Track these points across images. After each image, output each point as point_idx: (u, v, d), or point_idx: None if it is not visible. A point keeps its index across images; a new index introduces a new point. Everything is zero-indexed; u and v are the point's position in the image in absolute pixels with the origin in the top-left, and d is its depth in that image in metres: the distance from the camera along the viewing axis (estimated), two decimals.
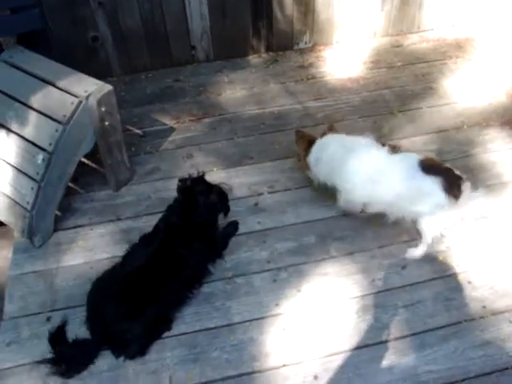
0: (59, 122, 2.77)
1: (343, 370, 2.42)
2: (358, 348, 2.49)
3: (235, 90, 3.98)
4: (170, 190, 2.94)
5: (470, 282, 2.72)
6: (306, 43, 4.31)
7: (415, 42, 4.36)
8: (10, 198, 2.91)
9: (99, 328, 2.48)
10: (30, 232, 2.89)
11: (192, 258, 2.60)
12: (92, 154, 3.07)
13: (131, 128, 3.62)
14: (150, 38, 4.00)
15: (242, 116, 3.76)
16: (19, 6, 3.19)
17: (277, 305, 2.67)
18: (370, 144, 2.78)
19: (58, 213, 3.03)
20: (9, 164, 2.90)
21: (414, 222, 2.76)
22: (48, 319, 2.64)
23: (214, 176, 3.22)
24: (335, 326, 2.58)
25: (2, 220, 3.05)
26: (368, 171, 2.69)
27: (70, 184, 3.06)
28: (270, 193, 3.22)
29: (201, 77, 4.12)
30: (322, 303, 2.67)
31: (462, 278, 2.75)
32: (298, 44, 4.30)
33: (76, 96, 2.81)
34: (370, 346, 2.50)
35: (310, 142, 2.94)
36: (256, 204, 3.15)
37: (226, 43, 4.18)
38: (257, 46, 4.25)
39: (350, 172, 2.74)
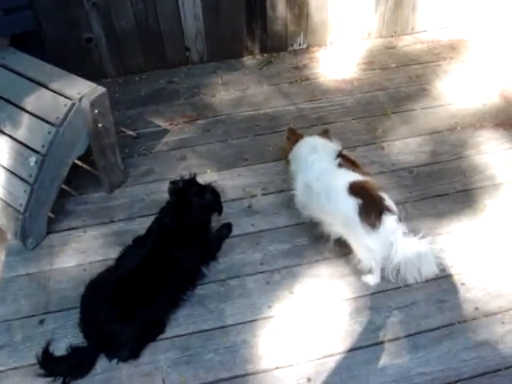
0: (52, 124, 2.77)
1: (336, 372, 2.42)
2: (351, 350, 2.49)
3: (229, 92, 3.98)
4: (163, 191, 2.93)
5: (463, 284, 2.73)
6: (300, 44, 4.30)
7: (409, 43, 4.37)
8: (2, 200, 2.90)
9: (93, 331, 2.47)
10: (23, 234, 2.88)
11: (186, 260, 2.61)
12: (85, 156, 3.07)
13: (125, 130, 3.62)
14: (143, 39, 4.00)
15: (236, 117, 3.76)
16: (12, 8, 3.19)
17: (270, 307, 2.66)
18: (330, 152, 2.75)
19: (51, 215, 3.02)
20: (1, 166, 2.89)
21: None
22: (41, 322, 2.64)
23: (208, 178, 3.21)
24: (328, 328, 2.58)
25: None
26: (311, 174, 2.71)
27: (64, 186, 3.05)
28: (263, 194, 3.22)
29: (195, 78, 4.11)
30: (315, 305, 2.67)
31: (455, 279, 2.75)
32: (292, 45, 4.30)
33: (69, 98, 2.81)
34: (364, 347, 2.50)
35: (296, 140, 2.98)
36: (249, 206, 3.15)
37: (220, 44, 4.17)
38: (251, 47, 4.25)
39: (301, 168, 2.80)
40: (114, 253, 2.78)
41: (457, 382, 2.37)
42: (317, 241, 2.90)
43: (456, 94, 3.87)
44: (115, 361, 2.46)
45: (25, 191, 2.80)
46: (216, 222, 2.91)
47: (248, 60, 4.27)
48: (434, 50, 4.29)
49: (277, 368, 2.44)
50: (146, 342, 2.52)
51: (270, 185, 3.26)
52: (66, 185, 3.12)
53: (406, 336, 2.53)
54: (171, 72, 4.17)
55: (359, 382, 2.38)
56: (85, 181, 3.29)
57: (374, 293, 2.70)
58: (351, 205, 2.48)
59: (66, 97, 2.82)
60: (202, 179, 2.84)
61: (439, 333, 2.54)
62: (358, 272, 2.75)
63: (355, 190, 2.51)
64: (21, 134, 2.86)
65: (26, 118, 2.86)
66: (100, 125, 2.90)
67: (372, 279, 2.71)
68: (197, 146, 3.56)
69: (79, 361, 2.43)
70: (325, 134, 3.00)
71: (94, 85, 2.89)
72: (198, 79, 4.10)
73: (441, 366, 2.43)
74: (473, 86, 3.93)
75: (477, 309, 2.63)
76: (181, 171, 3.29)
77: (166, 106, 3.88)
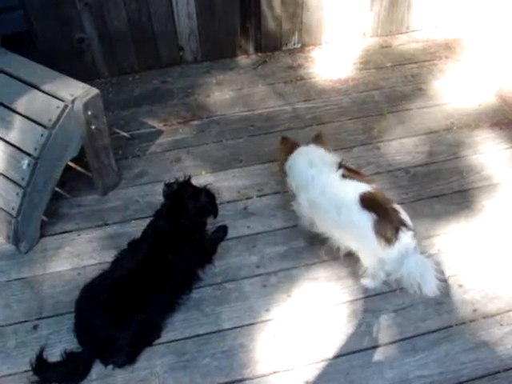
0: (44, 127, 2.72)
1: (334, 376, 2.41)
2: (349, 353, 2.48)
3: (223, 92, 3.94)
4: (158, 194, 2.90)
5: (460, 286, 2.71)
6: (294, 44, 4.27)
7: (404, 42, 4.34)
8: None
9: (88, 336, 2.44)
10: (16, 238, 2.84)
11: (181, 263, 2.58)
12: (79, 158, 3.02)
13: (118, 131, 3.58)
14: (137, 38, 3.95)
15: (231, 118, 3.72)
16: (2, 8, 3.14)
17: (267, 310, 2.64)
18: (329, 164, 2.66)
19: (44, 218, 2.98)
20: None
21: None
22: (35, 327, 2.60)
23: (203, 180, 3.18)
24: (326, 332, 2.56)
25: None
26: (314, 190, 2.63)
27: (57, 189, 3.01)
28: (259, 196, 3.19)
29: (189, 78, 4.07)
30: (312, 308, 2.65)
31: (452, 281, 2.73)
32: (286, 44, 4.27)
33: (62, 100, 2.76)
34: (362, 351, 2.49)
35: (292, 150, 2.86)
36: (245, 208, 3.12)
37: (214, 44, 4.13)
38: (245, 46, 4.21)
39: (301, 185, 2.71)
40: (108, 256, 2.75)
41: None
42: (313, 243, 2.88)
43: (452, 93, 3.85)
44: (111, 366, 2.43)
45: (17, 194, 2.75)
46: (211, 224, 2.87)
47: (242, 59, 4.23)
48: (430, 49, 4.26)
49: (274, 372, 2.42)
50: (141, 347, 2.49)
51: (266, 186, 3.23)
52: (60, 187, 3.08)
53: (404, 339, 2.52)
54: (165, 72, 4.12)
55: None
56: (78, 183, 3.24)
57: (372, 295, 2.68)
58: (365, 220, 2.40)
59: (59, 98, 2.78)
60: (196, 181, 2.81)
61: (437, 335, 2.53)
62: (355, 275, 2.74)
63: (367, 203, 2.42)
64: (13, 136, 2.81)
65: (17, 120, 2.82)
66: (93, 127, 2.86)
67: (371, 283, 2.69)
68: (191, 147, 3.52)
69: (74, 367, 2.40)
70: (318, 138, 2.90)
71: (87, 86, 2.84)
72: (191, 79, 4.06)
73: (439, 368, 2.42)
74: (469, 85, 3.92)
75: (475, 311, 2.61)
76: (175, 173, 3.26)
77: (159, 107, 3.83)
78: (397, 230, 2.39)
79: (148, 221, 2.71)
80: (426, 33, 4.41)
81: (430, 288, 2.61)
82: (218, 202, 2.83)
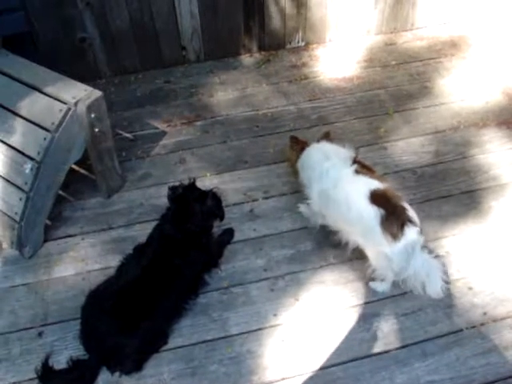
0: (47, 130, 2.68)
1: (344, 381, 2.38)
2: (358, 359, 2.45)
3: (227, 92, 3.89)
4: (162, 196, 2.87)
5: (470, 288, 2.68)
6: (298, 42, 4.22)
7: (409, 40, 4.29)
8: None
9: (94, 343, 2.40)
10: (20, 243, 2.81)
11: (188, 268, 2.54)
12: (82, 160, 2.98)
13: (121, 132, 3.53)
14: (139, 38, 3.90)
15: (235, 118, 3.68)
16: (3, 9, 3.10)
17: (275, 315, 2.61)
18: (344, 158, 2.67)
19: (47, 222, 2.94)
20: None
21: None
22: (40, 334, 2.57)
23: (208, 182, 3.15)
24: (335, 337, 2.53)
25: None
26: (327, 183, 2.63)
27: (60, 192, 2.97)
28: (265, 198, 3.15)
29: (192, 78, 4.02)
30: (320, 312, 2.62)
31: (462, 283, 2.70)
32: (290, 43, 4.22)
33: (64, 103, 2.72)
34: (371, 356, 2.46)
35: (302, 148, 2.88)
36: (251, 210, 3.08)
37: (217, 43, 4.08)
38: (249, 45, 4.16)
39: (314, 176, 2.71)
40: (113, 261, 2.73)
41: None
42: (321, 246, 2.85)
43: (458, 91, 3.81)
44: (117, 374, 2.40)
45: (20, 199, 2.72)
46: (217, 227, 2.83)
47: (246, 58, 4.18)
48: (435, 46, 4.21)
49: (283, 379, 2.39)
50: (148, 353, 2.46)
51: (272, 188, 3.19)
52: (63, 190, 3.03)
53: (414, 343, 2.49)
54: (167, 72, 4.07)
55: None
56: (81, 185, 3.20)
57: (381, 299, 2.65)
58: (373, 214, 2.41)
59: (62, 101, 2.73)
60: (201, 183, 2.78)
61: (447, 339, 2.50)
62: (364, 278, 2.71)
63: (376, 198, 2.44)
64: (15, 140, 2.77)
65: (20, 123, 2.78)
66: (97, 129, 2.82)
67: (380, 286, 2.66)
68: (195, 148, 3.47)
69: (80, 374, 2.37)
70: (326, 136, 2.90)
71: (89, 88, 2.80)
72: (195, 79, 4.01)
73: (450, 373, 2.39)
74: (475, 83, 3.87)
75: (485, 314, 2.59)
76: (180, 175, 3.23)
77: (163, 107, 3.79)
78: (403, 226, 2.39)
79: (153, 224, 2.67)
80: (431, 30, 4.36)
81: (435, 289, 2.59)
82: (223, 204, 2.78)
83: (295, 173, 2.93)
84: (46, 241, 2.95)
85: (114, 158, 3.07)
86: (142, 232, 2.84)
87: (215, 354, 2.48)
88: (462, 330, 2.53)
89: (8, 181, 2.77)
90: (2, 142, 2.80)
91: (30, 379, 2.38)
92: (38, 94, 2.81)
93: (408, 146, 3.41)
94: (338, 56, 4.15)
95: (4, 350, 2.52)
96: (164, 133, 3.60)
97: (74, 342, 2.51)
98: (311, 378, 2.39)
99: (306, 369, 2.42)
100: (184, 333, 2.55)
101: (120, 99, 3.86)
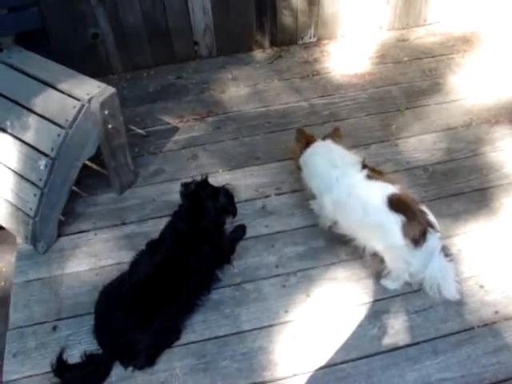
0: (61, 127, 2.71)
1: (355, 378, 2.39)
2: (369, 356, 2.46)
3: (239, 88, 3.89)
4: (174, 192, 2.86)
5: (482, 286, 2.68)
6: (310, 37, 4.21)
7: (421, 35, 4.26)
8: (12, 204, 2.85)
9: (108, 338, 2.43)
10: (34, 238, 2.84)
11: (200, 264, 2.56)
12: (95, 156, 3.00)
13: (134, 128, 3.55)
14: (151, 34, 3.91)
15: (247, 114, 3.68)
16: (16, 5, 3.11)
17: (286, 311, 2.62)
18: (352, 164, 2.62)
19: (61, 217, 2.97)
20: (10, 169, 2.84)
21: None
22: (54, 328, 2.61)
23: (220, 178, 3.16)
24: (346, 333, 2.54)
25: (5, 227, 3.00)
26: (339, 192, 2.58)
27: (73, 187, 2.99)
28: (277, 194, 3.16)
29: (204, 73, 4.02)
30: (332, 309, 2.63)
31: (473, 281, 2.70)
32: (302, 38, 4.21)
33: (78, 99, 2.74)
34: (382, 353, 2.47)
35: (307, 143, 2.84)
36: (263, 207, 3.09)
37: (229, 38, 4.08)
38: (261, 40, 4.16)
39: (324, 186, 2.68)
40: (126, 256, 2.75)
41: None
42: (332, 243, 2.85)
43: (470, 88, 3.79)
44: (131, 369, 2.43)
45: (35, 195, 2.75)
46: (229, 223, 2.83)
47: (258, 54, 4.18)
48: (447, 42, 4.18)
49: (294, 375, 2.41)
50: (161, 349, 2.48)
51: (284, 184, 3.20)
52: (76, 186, 3.06)
53: (425, 341, 2.50)
54: (179, 67, 4.08)
55: None
56: (95, 181, 3.23)
57: (392, 296, 2.66)
58: (393, 221, 2.38)
59: (75, 98, 2.76)
60: (213, 179, 2.77)
61: (459, 337, 2.50)
62: (375, 275, 2.71)
63: (395, 204, 2.40)
64: (29, 136, 2.80)
65: (34, 119, 2.80)
66: (110, 126, 2.84)
67: (392, 284, 2.66)
68: (207, 144, 3.49)
69: (94, 368, 2.40)
70: (335, 133, 2.86)
71: (103, 85, 2.82)
72: (206, 74, 4.02)
73: (461, 371, 2.39)
74: (487, 79, 3.85)
75: (496, 312, 2.58)
76: (192, 171, 3.25)
77: (175, 103, 3.80)
78: (425, 232, 2.37)
79: (165, 220, 2.69)
80: (444, 26, 4.33)
81: (451, 292, 2.59)
82: (235, 201, 2.79)
83: (298, 168, 2.91)
84: (59, 236, 2.98)
85: (126, 154, 3.09)
86: (154, 228, 2.86)
87: (227, 349, 2.50)
88: (473, 328, 2.53)
89: (23, 177, 2.79)
90: (17, 138, 2.83)
91: (46, 372, 2.41)
92: (51, 90, 2.84)
93: (419, 142, 3.41)
94: (349, 52, 4.14)
95: (20, 343, 2.56)
96: (176, 128, 3.61)
97: (87, 337, 2.54)
98: (322, 374, 2.40)
99: (317, 365, 2.43)
100: (196, 328, 2.58)
101: (132, 95, 3.88)
